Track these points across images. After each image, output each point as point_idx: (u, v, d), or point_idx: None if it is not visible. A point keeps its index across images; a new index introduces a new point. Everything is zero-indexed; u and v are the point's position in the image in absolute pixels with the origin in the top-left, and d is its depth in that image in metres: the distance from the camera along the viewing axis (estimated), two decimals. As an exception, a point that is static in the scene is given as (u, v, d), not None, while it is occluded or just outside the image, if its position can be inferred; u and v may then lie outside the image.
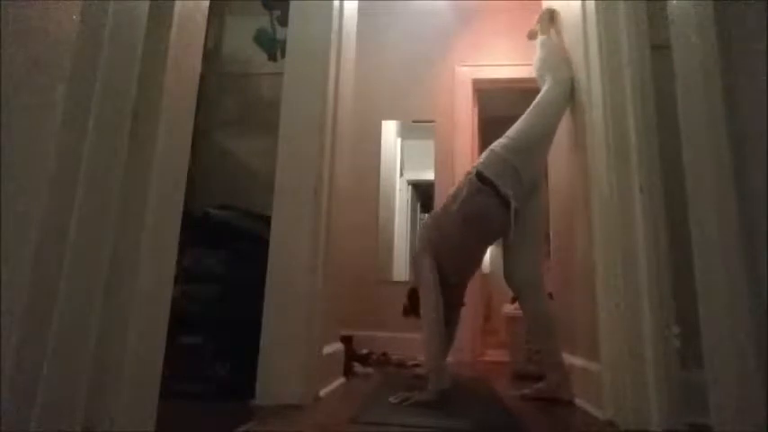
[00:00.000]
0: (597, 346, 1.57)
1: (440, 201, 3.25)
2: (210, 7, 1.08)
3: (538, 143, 1.87)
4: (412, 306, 1.93)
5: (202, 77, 1.08)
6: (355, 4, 2.23)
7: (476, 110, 3.46)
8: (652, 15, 1.54)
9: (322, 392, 1.68)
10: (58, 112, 0.65)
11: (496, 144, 1.86)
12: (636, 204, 1.45)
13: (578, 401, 1.70)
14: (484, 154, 1.86)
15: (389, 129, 3.63)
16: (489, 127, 4.06)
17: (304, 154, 1.71)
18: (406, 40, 3.52)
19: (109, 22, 0.74)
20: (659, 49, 1.47)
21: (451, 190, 1.88)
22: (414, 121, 3.60)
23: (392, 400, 1.62)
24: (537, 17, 2.19)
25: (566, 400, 1.72)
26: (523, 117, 1.90)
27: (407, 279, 3.40)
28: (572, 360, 1.81)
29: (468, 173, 1.84)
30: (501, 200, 1.74)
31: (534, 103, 1.91)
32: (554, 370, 1.77)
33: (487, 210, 1.76)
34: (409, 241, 4.18)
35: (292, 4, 1.85)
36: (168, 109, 0.89)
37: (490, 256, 5.88)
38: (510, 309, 2.56)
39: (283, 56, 1.89)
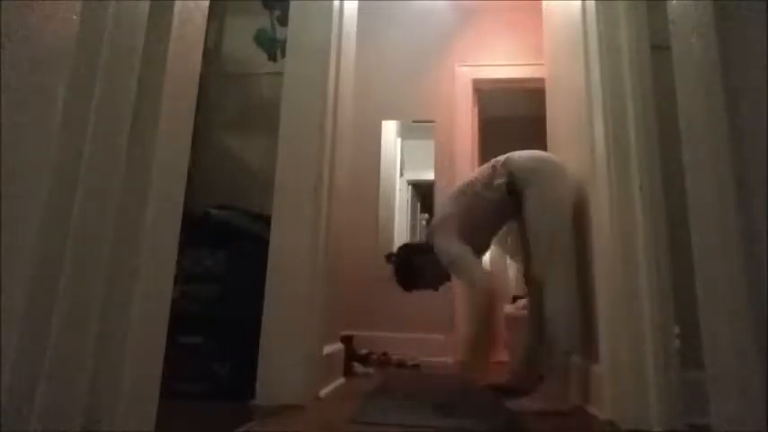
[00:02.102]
0: (597, 346, 1.57)
1: (440, 201, 3.26)
2: (210, 7, 1.08)
3: None
4: (406, 272, 1.99)
5: (202, 77, 1.08)
6: (355, 4, 2.23)
7: (476, 110, 3.46)
8: (652, 15, 1.54)
9: (322, 392, 1.68)
10: (58, 112, 0.65)
11: (514, 161, 1.88)
12: (636, 204, 1.45)
13: (578, 401, 1.69)
14: (506, 165, 1.88)
15: (389, 129, 3.62)
16: (489, 127, 4.07)
17: (304, 154, 1.71)
18: (406, 40, 3.52)
19: (109, 22, 0.74)
20: (659, 49, 1.47)
21: (480, 176, 1.93)
22: (414, 121, 3.60)
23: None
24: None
25: (565, 411, 1.58)
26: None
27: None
28: (572, 360, 1.80)
29: (494, 165, 1.91)
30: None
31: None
32: (555, 374, 1.64)
33: (507, 205, 1.88)
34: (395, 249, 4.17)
35: (292, 4, 1.84)
36: (168, 109, 0.89)
37: (490, 256, 5.87)
38: (510, 309, 2.56)
39: (283, 56, 1.89)
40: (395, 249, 2.10)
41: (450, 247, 1.83)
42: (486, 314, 1.72)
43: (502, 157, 1.93)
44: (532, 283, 1.84)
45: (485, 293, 1.73)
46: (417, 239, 2.06)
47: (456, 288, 3.05)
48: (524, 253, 1.93)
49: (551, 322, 1.69)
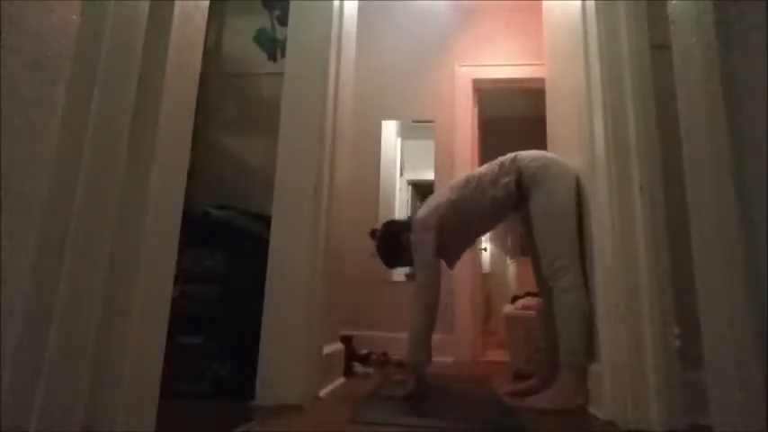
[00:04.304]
0: (597, 346, 1.57)
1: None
2: (210, 7, 1.08)
3: None
4: (385, 248, 2.01)
5: (202, 77, 1.08)
6: (355, 4, 2.23)
7: (476, 110, 3.46)
8: (652, 15, 1.54)
9: (322, 392, 1.68)
10: (58, 112, 0.65)
11: (522, 159, 1.89)
12: (636, 204, 1.45)
13: (579, 401, 1.69)
14: (515, 163, 1.89)
15: (389, 129, 3.63)
16: (489, 127, 4.07)
17: (304, 154, 1.71)
18: (406, 40, 3.52)
19: (109, 22, 0.74)
20: (659, 49, 1.47)
21: (487, 172, 1.93)
22: (414, 121, 3.60)
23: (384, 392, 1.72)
24: None
25: (571, 409, 1.59)
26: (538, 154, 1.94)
27: (406, 279, 3.39)
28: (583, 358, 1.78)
29: (501, 163, 1.91)
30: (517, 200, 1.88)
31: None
32: (567, 373, 1.64)
33: (506, 206, 1.90)
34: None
35: (292, 4, 1.84)
36: (168, 109, 0.89)
37: (490, 256, 5.88)
38: (510, 309, 2.56)
39: (283, 56, 1.89)
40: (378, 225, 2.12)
41: (426, 243, 1.85)
42: (426, 324, 1.84)
43: (511, 155, 1.93)
44: (544, 284, 1.83)
45: (427, 307, 1.83)
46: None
47: (454, 288, 3.05)
48: (533, 254, 1.91)
49: (563, 321, 1.69)
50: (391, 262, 2.04)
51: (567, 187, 1.81)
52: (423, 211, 1.95)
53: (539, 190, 1.81)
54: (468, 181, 1.95)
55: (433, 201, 1.99)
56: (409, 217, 2.02)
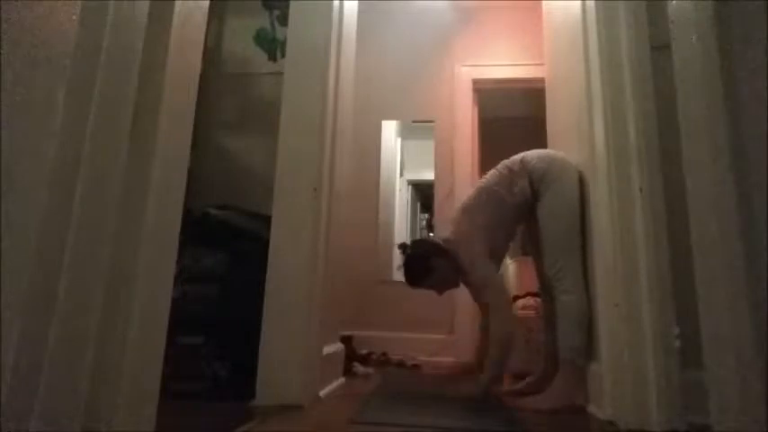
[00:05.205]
0: (597, 346, 1.57)
1: (440, 200, 3.26)
2: (210, 7, 1.08)
3: None
4: (417, 269, 1.93)
5: (202, 77, 1.08)
6: (355, 4, 2.23)
7: (476, 110, 3.46)
8: (652, 15, 1.54)
9: (322, 392, 1.68)
10: (58, 112, 0.65)
11: (529, 161, 1.90)
12: (636, 204, 1.45)
13: (578, 401, 1.69)
14: (524, 166, 1.89)
15: (389, 129, 3.63)
16: (489, 127, 4.06)
17: (304, 154, 1.70)
18: (406, 40, 3.52)
19: (109, 22, 0.74)
20: (659, 49, 1.47)
21: (499, 180, 1.91)
22: (414, 121, 3.60)
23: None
24: None
25: (569, 408, 1.61)
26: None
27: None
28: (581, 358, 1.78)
29: (509, 168, 1.91)
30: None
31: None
32: (565, 372, 1.67)
33: (526, 208, 1.90)
34: (409, 241, 4.17)
35: (292, 4, 1.84)
36: (168, 109, 0.89)
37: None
38: (510, 309, 2.56)
39: (283, 56, 1.89)
40: (408, 241, 2.09)
41: (488, 271, 1.83)
42: (507, 352, 1.77)
43: (516, 158, 1.92)
44: (547, 284, 1.83)
45: (511, 337, 1.78)
46: (431, 238, 2.03)
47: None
48: (536, 253, 1.91)
49: (563, 321, 1.70)
50: (416, 281, 1.94)
51: (572, 186, 1.81)
52: (468, 249, 1.87)
53: (548, 190, 1.82)
54: (488, 200, 1.90)
55: (469, 233, 1.90)
56: (443, 245, 1.93)
